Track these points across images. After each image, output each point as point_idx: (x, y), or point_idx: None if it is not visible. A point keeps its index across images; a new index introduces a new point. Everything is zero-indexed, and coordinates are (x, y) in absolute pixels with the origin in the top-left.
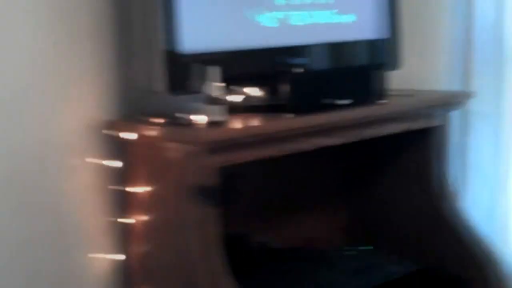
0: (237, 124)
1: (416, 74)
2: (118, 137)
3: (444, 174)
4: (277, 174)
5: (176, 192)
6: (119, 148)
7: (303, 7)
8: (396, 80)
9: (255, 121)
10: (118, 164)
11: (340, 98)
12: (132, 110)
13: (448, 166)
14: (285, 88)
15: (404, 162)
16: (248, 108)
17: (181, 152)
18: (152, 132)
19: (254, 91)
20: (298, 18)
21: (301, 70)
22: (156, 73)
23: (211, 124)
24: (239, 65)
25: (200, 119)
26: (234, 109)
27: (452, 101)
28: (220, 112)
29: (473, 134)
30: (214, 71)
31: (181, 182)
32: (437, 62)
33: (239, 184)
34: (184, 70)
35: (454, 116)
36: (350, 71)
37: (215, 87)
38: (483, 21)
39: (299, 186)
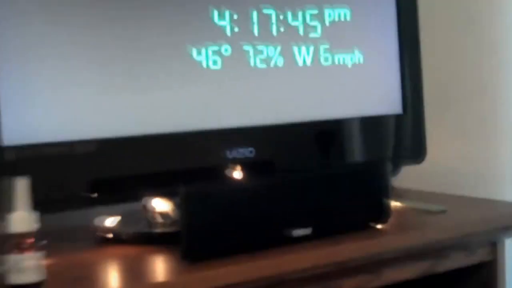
0: None
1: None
2: None
3: None
4: None
5: None
6: None
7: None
8: (413, 177)
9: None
10: None
11: (298, 226)
12: None
13: None
14: (187, 209)
15: None
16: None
17: None
18: None
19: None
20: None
21: (232, 172)
22: None
23: None
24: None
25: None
26: None
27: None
28: (34, 268)
29: None
30: (26, 184)
31: None
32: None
33: None
34: None
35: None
36: (327, 174)
37: (27, 218)
38: None
39: None
